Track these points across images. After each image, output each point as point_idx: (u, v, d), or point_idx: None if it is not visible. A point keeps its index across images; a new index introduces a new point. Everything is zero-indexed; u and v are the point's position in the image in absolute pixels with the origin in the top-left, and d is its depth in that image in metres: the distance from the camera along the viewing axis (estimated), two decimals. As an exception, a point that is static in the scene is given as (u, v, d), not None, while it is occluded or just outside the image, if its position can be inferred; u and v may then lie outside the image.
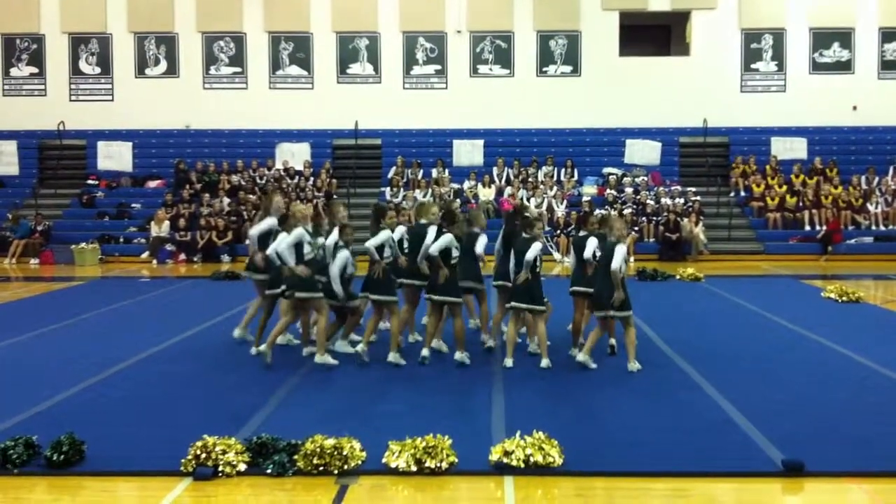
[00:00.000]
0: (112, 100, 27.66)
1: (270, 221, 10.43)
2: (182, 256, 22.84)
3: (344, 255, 9.61)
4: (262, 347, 9.79)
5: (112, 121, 27.26)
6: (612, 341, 10.23)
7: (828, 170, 25.46)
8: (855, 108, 26.87)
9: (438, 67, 27.38)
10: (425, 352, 9.73)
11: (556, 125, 27.08)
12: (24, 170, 27.40)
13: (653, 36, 28.64)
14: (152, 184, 26.77)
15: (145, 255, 22.99)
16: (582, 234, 10.64)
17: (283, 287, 9.74)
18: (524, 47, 27.30)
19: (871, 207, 24.04)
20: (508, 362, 9.56)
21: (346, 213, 10.67)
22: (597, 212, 11.18)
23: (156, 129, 27.48)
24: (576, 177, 25.78)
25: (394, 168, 25.84)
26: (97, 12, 27.34)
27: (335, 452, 6.26)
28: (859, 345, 10.64)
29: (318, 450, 6.27)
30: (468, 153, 26.87)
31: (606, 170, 26.00)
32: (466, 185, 25.07)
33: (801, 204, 24.24)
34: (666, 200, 23.90)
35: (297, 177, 25.65)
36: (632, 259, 21.14)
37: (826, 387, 8.75)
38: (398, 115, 27.10)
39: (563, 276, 10.45)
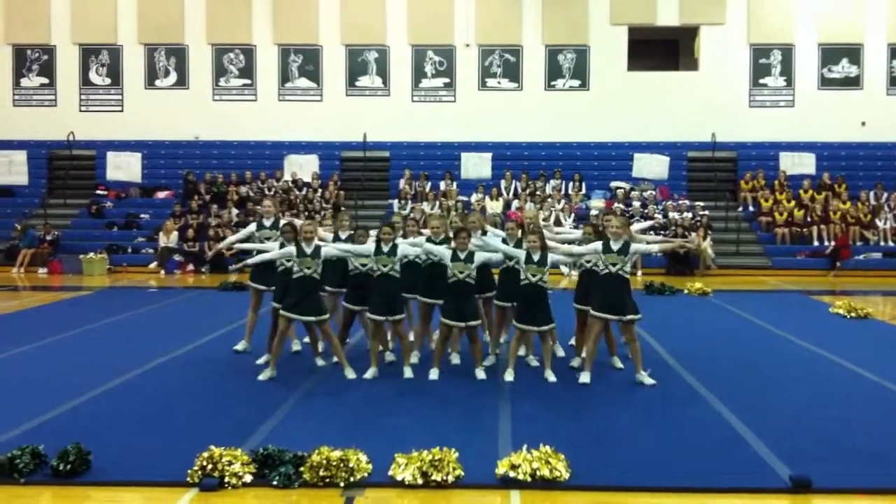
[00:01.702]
0: (122, 111, 27.80)
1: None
2: (190, 267, 22.88)
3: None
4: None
5: (121, 131, 27.38)
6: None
7: (836, 185, 25.43)
8: (864, 123, 26.85)
9: (447, 80, 27.45)
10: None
11: (564, 139, 27.11)
12: (33, 179, 27.49)
13: (661, 51, 28.68)
14: (161, 194, 26.85)
15: (153, 265, 23.04)
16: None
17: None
18: (533, 61, 27.36)
19: (879, 223, 24.00)
20: (509, 376, 9.57)
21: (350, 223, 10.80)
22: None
23: (165, 139, 27.59)
24: (583, 190, 25.79)
25: (402, 180, 25.88)
26: (108, 24, 27.50)
27: (341, 464, 6.25)
28: (867, 361, 10.60)
29: (325, 462, 6.26)
30: (476, 166, 26.89)
31: (614, 184, 26.00)
32: (474, 197, 25.09)
33: (809, 219, 24.21)
34: (674, 215, 23.88)
35: (305, 188, 25.70)
36: (639, 273, 21.16)
37: (834, 403, 8.72)
38: (407, 128, 27.16)
39: (571, 289, 10.42)
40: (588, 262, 10.05)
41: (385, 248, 9.61)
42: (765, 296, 18.39)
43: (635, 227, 11.50)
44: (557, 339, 10.71)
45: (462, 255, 9.51)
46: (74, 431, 7.14)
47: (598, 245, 9.49)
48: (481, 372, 9.70)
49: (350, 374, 9.64)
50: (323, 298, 9.91)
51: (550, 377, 9.52)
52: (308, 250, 9.52)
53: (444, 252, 9.62)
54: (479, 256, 9.65)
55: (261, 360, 10.28)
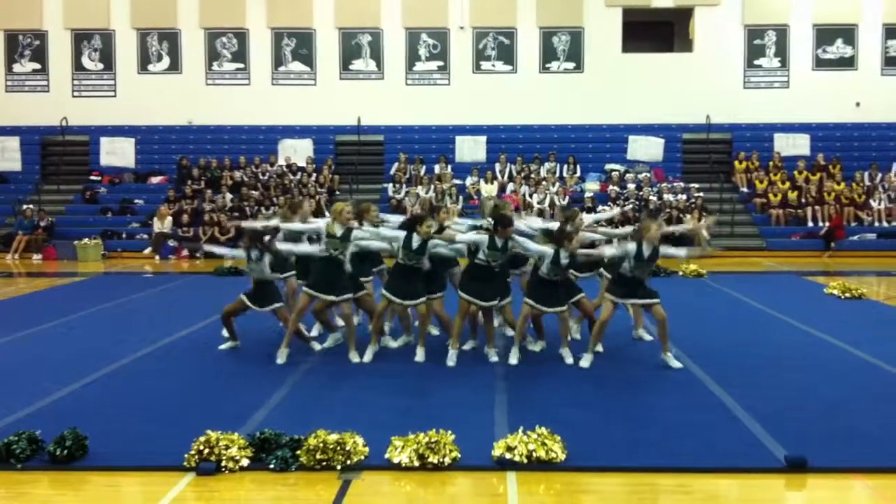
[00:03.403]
0: (115, 96, 27.68)
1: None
2: (185, 252, 22.87)
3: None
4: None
5: (115, 117, 27.26)
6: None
7: (831, 166, 25.43)
8: (858, 104, 26.83)
9: (441, 64, 27.36)
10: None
11: (559, 121, 27.06)
12: (26, 165, 27.42)
13: (656, 32, 28.58)
14: (155, 180, 26.79)
15: (148, 250, 23.02)
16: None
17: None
18: (527, 43, 27.27)
19: (874, 204, 24.03)
20: (513, 359, 9.56)
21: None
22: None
23: (158, 125, 27.48)
24: (578, 173, 25.77)
25: (396, 164, 25.84)
26: (100, 9, 27.34)
27: (338, 448, 6.27)
28: (862, 341, 10.64)
29: (321, 445, 6.28)
30: (471, 149, 26.87)
31: (609, 166, 25.98)
32: (469, 181, 25.08)
33: (803, 200, 24.23)
34: (668, 197, 23.90)
35: (299, 173, 25.64)
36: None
37: (829, 383, 8.74)
38: (401, 112, 27.09)
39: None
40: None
41: (415, 244, 9.43)
42: (759, 277, 18.43)
43: (587, 218, 11.32)
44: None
45: (499, 244, 9.39)
46: (71, 417, 7.15)
47: (632, 249, 9.24)
48: (493, 354, 9.69)
49: (355, 357, 9.64)
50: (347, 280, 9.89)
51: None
52: (338, 232, 9.53)
53: (481, 239, 9.47)
54: (466, 238, 9.69)
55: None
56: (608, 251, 9.62)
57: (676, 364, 9.30)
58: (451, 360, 9.49)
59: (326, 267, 9.62)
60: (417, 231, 9.41)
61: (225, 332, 10.60)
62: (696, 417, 7.48)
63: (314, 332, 10.61)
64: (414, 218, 9.83)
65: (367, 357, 9.66)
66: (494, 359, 9.62)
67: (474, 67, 27.38)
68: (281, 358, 9.62)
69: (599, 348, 10.04)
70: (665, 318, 9.31)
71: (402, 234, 9.54)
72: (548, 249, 9.34)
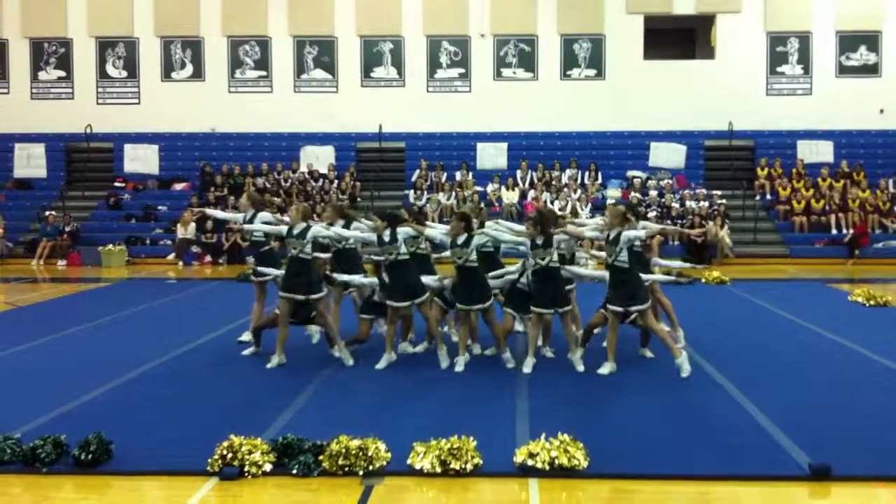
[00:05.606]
0: (139, 103, 27.88)
1: None
2: (207, 258, 22.99)
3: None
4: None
5: (138, 124, 27.46)
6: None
7: (855, 173, 25.25)
8: (882, 111, 26.63)
9: (462, 71, 27.39)
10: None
11: (580, 128, 27.01)
12: (51, 172, 27.66)
13: (677, 39, 28.52)
14: (178, 186, 26.96)
15: (171, 256, 23.16)
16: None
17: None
18: (548, 50, 27.26)
19: (898, 211, 23.85)
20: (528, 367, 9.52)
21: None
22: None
23: (182, 132, 27.66)
24: (600, 180, 25.71)
25: (417, 171, 25.88)
26: (124, 17, 27.58)
27: (360, 453, 6.29)
28: (887, 348, 10.54)
29: (344, 450, 6.30)
30: (492, 156, 26.87)
31: (631, 173, 25.91)
32: (490, 188, 25.08)
33: (827, 207, 24.07)
34: (691, 203, 23.81)
35: (321, 180, 25.74)
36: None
37: (853, 390, 8.68)
38: (422, 119, 27.14)
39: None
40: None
41: (386, 238, 9.58)
42: (783, 284, 18.30)
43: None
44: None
45: (459, 242, 9.52)
46: (96, 421, 7.19)
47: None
48: (528, 364, 9.57)
49: (337, 353, 9.81)
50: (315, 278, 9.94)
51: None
52: (295, 231, 9.68)
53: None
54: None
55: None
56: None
57: (686, 370, 9.22)
58: (457, 366, 9.57)
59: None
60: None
61: (244, 337, 10.77)
62: (718, 424, 7.45)
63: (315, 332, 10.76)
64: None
65: (381, 365, 9.65)
66: (528, 368, 9.48)
67: (495, 74, 27.40)
68: (270, 362, 9.79)
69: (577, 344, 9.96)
70: (657, 327, 9.48)
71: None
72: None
